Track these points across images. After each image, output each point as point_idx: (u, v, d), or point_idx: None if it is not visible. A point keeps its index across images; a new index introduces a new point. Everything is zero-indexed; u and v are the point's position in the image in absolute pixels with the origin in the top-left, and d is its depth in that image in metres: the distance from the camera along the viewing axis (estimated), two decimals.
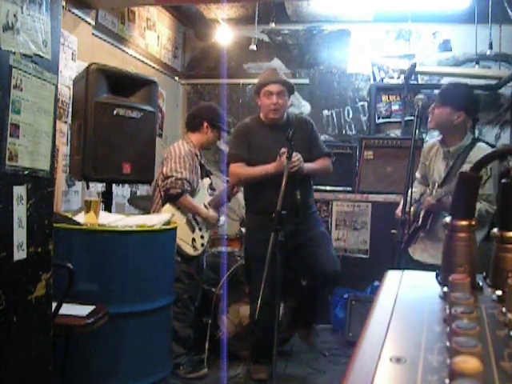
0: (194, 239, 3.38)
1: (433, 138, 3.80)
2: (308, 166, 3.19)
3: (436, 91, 4.10)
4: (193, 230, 3.40)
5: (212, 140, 3.60)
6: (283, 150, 2.97)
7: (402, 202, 3.07)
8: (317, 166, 3.30)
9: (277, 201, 2.69)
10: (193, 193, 3.38)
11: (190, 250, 3.33)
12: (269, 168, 3.12)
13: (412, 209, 2.84)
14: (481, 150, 2.76)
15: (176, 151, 3.36)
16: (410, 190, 2.63)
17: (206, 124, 3.50)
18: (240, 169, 3.28)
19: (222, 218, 3.77)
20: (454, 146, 2.84)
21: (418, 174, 3.15)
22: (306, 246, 3.26)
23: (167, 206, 3.28)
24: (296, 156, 3.00)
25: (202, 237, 3.45)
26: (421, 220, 2.90)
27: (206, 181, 3.60)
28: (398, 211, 3.02)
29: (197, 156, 3.47)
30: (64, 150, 3.58)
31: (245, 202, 3.50)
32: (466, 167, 2.73)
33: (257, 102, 3.35)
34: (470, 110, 2.90)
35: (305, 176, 3.20)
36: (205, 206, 3.49)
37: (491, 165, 2.77)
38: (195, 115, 3.58)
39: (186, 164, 3.32)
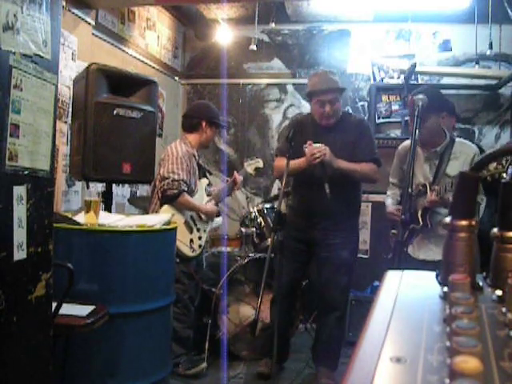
0: (191, 240, 3.38)
1: None
2: (342, 162, 3.05)
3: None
4: (190, 231, 3.40)
5: (211, 138, 3.61)
6: (308, 142, 2.98)
7: (389, 200, 3.17)
8: (355, 166, 3.11)
9: (309, 201, 2.65)
10: (191, 194, 3.38)
11: (187, 251, 3.34)
12: (301, 162, 3.04)
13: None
14: (462, 145, 3.00)
15: (173, 152, 3.36)
16: (409, 190, 2.64)
17: (204, 123, 3.50)
18: (279, 162, 3.24)
19: (221, 219, 3.78)
20: (440, 146, 2.97)
21: (393, 179, 3.21)
22: (319, 266, 3.24)
23: (165, 207, 3.28)
24: (319, 147, 2.95)
25: (199, 238, 3.45)
26: (421, 220, 2.92)
27: (204, 181, 3.61)
28: (392, 209, 3.05)
29: (194, 157, 3.47)
30: (64, 149, 3.58)
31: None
32: (452, 163, 2.92)
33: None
34: (446, 106, 3.12)
35: (340, 174, 3.05)
36: None
37: (472, 152, 2.94)
38: (192, 115, 3.58)
39: (184, 165, 3.32)
